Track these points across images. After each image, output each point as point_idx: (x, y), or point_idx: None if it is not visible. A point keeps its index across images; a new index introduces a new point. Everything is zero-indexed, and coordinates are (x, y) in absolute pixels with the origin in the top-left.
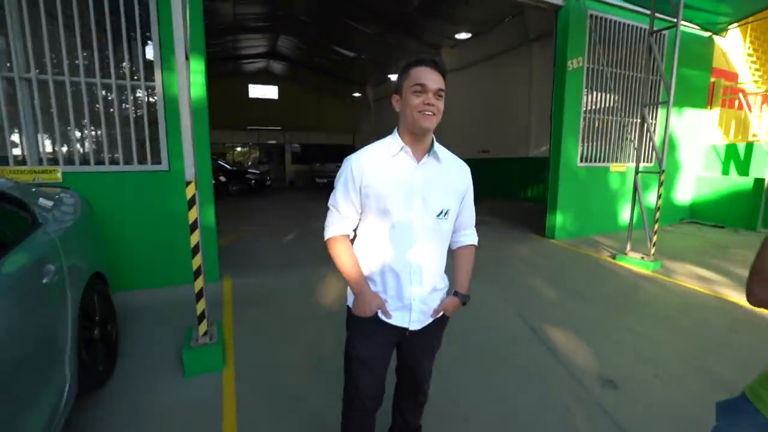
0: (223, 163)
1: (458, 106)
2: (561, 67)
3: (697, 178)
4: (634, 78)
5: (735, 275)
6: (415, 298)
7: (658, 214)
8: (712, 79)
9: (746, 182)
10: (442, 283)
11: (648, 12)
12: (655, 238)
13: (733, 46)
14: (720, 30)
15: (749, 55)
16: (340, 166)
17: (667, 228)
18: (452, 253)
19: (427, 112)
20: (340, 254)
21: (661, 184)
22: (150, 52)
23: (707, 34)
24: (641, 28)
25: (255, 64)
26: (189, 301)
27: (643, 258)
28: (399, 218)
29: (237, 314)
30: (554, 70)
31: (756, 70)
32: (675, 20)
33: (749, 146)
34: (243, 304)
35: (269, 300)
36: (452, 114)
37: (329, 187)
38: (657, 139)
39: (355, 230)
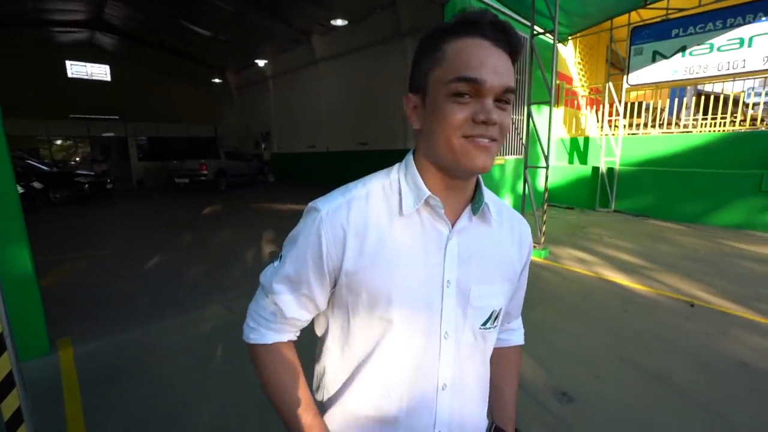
0: (36, 163)
1: (333, 97)
2: None
3: (551, 167)
4: None
5: (601, 254)
6: None
7: (546, 206)
8: (557, 82)
9: (586, 170)
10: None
11: (522, 20)
12: (544, 228)
13: (568, 54)
14: (563, 39)
15: (578, 63)
16: (203, 163)
17: (536, 212)
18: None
19: (481, 140)
20: (273, 375)
21: (547, 178)
22: None
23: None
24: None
25: (73, 35)
26: None
27: (534, 247)
28: (411, 334)
29: (91, 411)
30: None
31: (582, 75)
32: (542, 28)
33: (586, 140)
34: (99, 388)
35: (142, 373)
36: (327, 105)
37: (192, 188)
38: (543, 136)
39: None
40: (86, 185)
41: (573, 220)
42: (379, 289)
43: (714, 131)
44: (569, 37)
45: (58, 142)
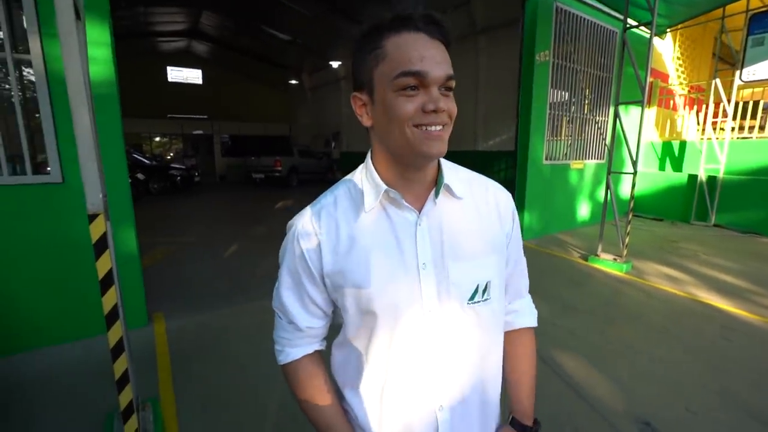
0: (140, 157)
1: None
2: (528, 59)
3: (639, 173)
4: (595, 76)
5: (695, 273)
6: None
7: (630, 216)
8: (650, 79)
9: (680, 178)
10: (498, 418)
11: (613, 12)
12: (627, 240)
13: (665, 48)
14: (661, 32)
15: (677, 58)
16: (278, 160)
17: (618, 222)
18: None
19: (432, 128)
20: (303, 390)
21: (633, 185)
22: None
23: (647, 35)
24: (603, 27)
25: (174, 44)
26: (105, 359)
27: (615, 260)
28: (397, 322)
29: (179, 379)
30: (521, 63)
31: (682, 72)
32: (637, 21)
33: (682, 144)
34: (185, 359)
35: (220, 350)
36: None
37: (266, 183)
38: (631, 139)
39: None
40: (178, 178)
41: (662, 232)
42: (358, 285)
43: None
44: (667, 30)
45: (157, 138)
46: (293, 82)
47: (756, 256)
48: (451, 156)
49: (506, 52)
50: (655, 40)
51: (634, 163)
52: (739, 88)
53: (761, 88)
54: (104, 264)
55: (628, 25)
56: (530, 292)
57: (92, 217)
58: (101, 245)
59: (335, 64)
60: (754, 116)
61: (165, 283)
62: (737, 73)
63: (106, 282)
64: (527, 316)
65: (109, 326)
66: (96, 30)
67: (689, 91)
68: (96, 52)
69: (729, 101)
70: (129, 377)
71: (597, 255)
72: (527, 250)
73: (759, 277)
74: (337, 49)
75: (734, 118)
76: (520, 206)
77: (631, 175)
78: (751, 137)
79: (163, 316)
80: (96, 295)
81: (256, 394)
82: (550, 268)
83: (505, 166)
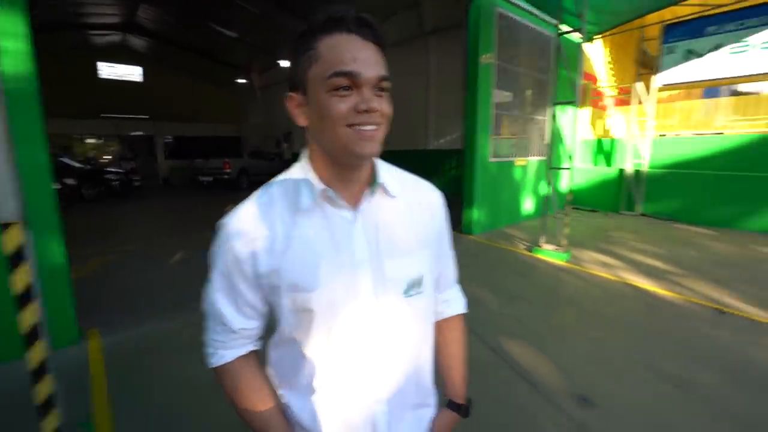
0: (69, 161)
1: None
2: (473, 61)
3: (574, 168)
4: (535, 78)
5: (625, 258)
6: None
7: (569, 209)
8: (583, 82)
9: (611, 172)
10: (431, 402)
11: (548, 18)
12: (566, 230)
13: (596, 53)
14: (590, 38)
15: (608, 62)
16: (227, 162)
17: (558, 214)
18: None
19: (366, 128)
20: (237, 392)
21: (571, 180)
22: None
23: (578, 40)
24: (540, 32)
25: (106, 38)
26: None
27: (556, 249)
28: (335, 317)
29: (117, 400)
30: (466, 64)
31: (611, 75)
32: (569, 27)
33: (612, 141)
34: (124, 376)
35: (163, 365)
36: None
37: (215, 186)
38: (568, 137)
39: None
40: (116, 182)
41: (596, 223)
42: (294, 284)
43: (750, 133)
44: (596, 36)
45: (90, 140)
46: (242, 81)
47: (675, 240)
48: (403, 155)
49: (456, 53)
50: (587, 45)
51: (571, 159)
52: (658, 90)
53: (677, 91)
54: (22, 278)
55: (561, 31)
56: (481, 284)
57: (5, 227)
58: (17, 257)
59: (285, 63)
60: (670, 116)
61: (101, 295)
62: (655, 77)
63: (25, 298)
64: (457, 303)
65: (29, 346)
66: (7, 19)
67: (618, 93)
68: (8, 43)
69: (650, 103)
70: (54, 402)
71: (540, 246)
72: (479, 245)
73: (678, 259)
74: (286, 47)
75: (654, 117)
76: (470, 202)
77: (568, 171)
78: (668, 135)
79: (99, 332)
80: (10, 315)
81: (203, 414)
82: (498, 261)
83: (455, 164)
